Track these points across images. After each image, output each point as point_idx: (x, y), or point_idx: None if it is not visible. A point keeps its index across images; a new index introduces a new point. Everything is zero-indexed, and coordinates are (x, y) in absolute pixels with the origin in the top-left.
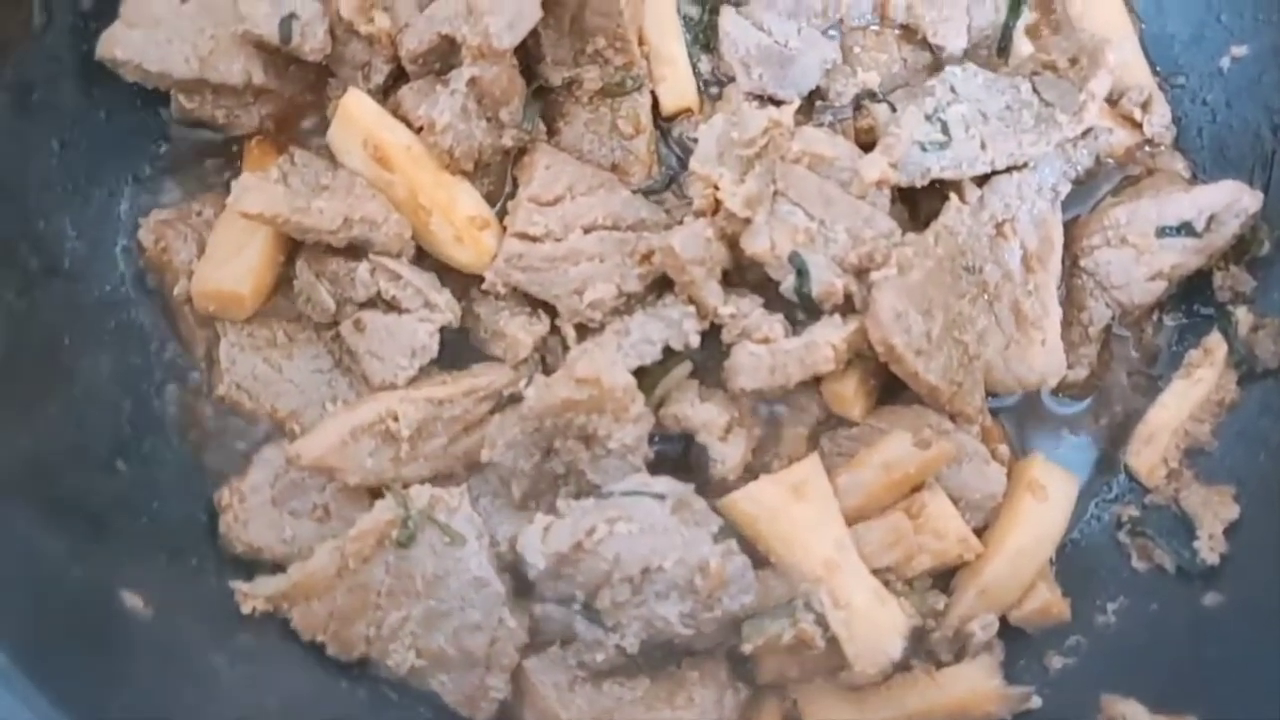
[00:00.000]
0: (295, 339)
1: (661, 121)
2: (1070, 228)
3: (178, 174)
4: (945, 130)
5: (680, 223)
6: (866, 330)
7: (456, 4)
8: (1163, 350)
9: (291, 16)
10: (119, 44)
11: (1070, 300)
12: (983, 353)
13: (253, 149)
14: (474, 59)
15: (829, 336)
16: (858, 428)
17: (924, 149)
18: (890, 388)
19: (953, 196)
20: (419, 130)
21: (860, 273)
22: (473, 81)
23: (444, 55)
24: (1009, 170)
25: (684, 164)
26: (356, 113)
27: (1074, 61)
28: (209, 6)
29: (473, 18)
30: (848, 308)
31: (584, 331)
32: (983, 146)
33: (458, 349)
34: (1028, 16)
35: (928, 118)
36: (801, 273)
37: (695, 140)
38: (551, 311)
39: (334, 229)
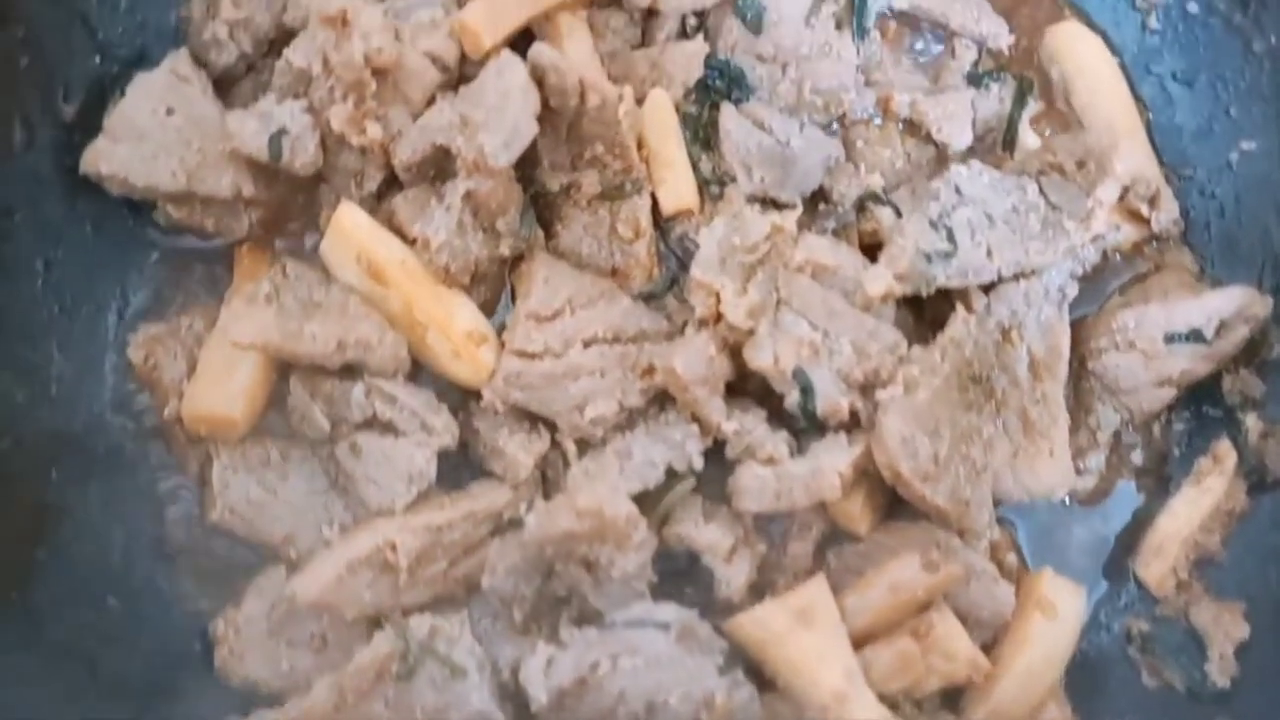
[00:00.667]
0: (289, 458)
1: (661, 222)
2: (1077, 328)
3: (167, 282)
4: (951, 238)
5: (682, 330)
6: (873, 453)
7: (450, 114)
8: (1171, 453)
9: (281, 132)
10: (103, 159)
11: (1078, 403)
12: (990, 462)
13: (243, 256)
14: (469, 173)
15: (835, 463)
16: (864, 543)
17: (929, 259)
18: (897, 500)
19: (959, 308)
20: (413, 242)
21: (866, 389)
22: (468, 195)
23: (438, 163)
24: (1016, 278)
25: (684, 265)
26: (349, 228)
27: (1081, 164)
28: (195, 118)
29: (467, 130)
30: (853, 423)
31: (585, 446)
32: (989, 255)
33: (456, 462)
34: (1033, 107)
35: (933, 224)
36: (806, 390)
37: (696, 242)
38: (552, 425)
39: (328, 354)
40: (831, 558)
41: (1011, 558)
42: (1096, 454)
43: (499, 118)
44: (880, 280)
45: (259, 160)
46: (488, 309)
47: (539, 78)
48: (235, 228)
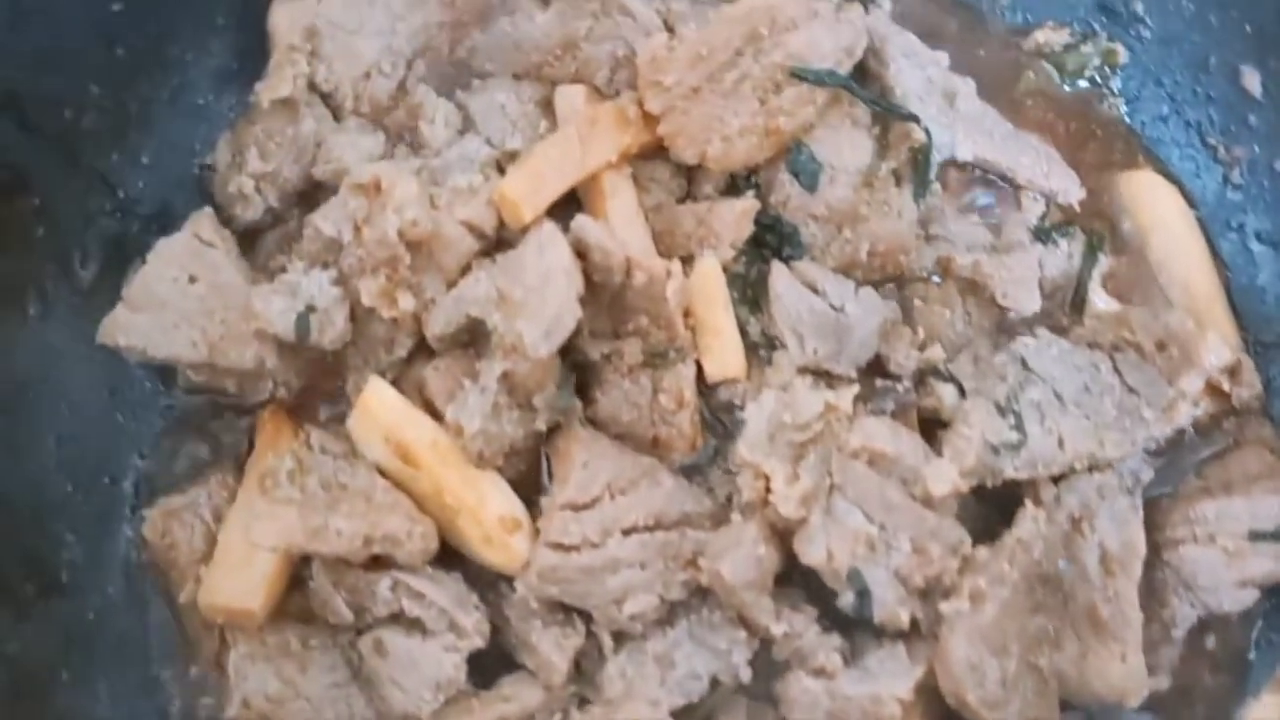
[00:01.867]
0: (310, 646)
1: (705, 386)
2: (1151, 509)
3: (186, 447)
4: (1019, 425)
5: (727, 508)
6: (936, 675)
7: (487, 286)
8: (1249, 649)
9: (309, 310)
10: (121, 330)
11: (1150, 592)
12: (1057, 666)
13: (266, 422)
14: (506, 354)
15: (895, 689)
16: None
17: (997, 451)
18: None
19: (1028, 504)
20: (444, 416)
21: (926, 593)
22: (505, 375)
23: (472, 330)
24: (1089, 469)
25: (729, 432)
26: (378, 408)
27: (1162, 347)
28: (218, 287)
29: (505, 308)
30: (913, 629)
31: (622, 638)
32: (1060, 445)
33: (484, 651)
34: (1103, 263)
35: (1000, 408)
36: (862, 594)
37: (741, 408)
38: (587, 615)
39: (353, 551)
40: None
41: None
42: (1170, 649)
43: (540, 301)
44: (945, 480)
45: (285, 339)
46: (522, 485)
47: (581, 251)
48: (258, 391)
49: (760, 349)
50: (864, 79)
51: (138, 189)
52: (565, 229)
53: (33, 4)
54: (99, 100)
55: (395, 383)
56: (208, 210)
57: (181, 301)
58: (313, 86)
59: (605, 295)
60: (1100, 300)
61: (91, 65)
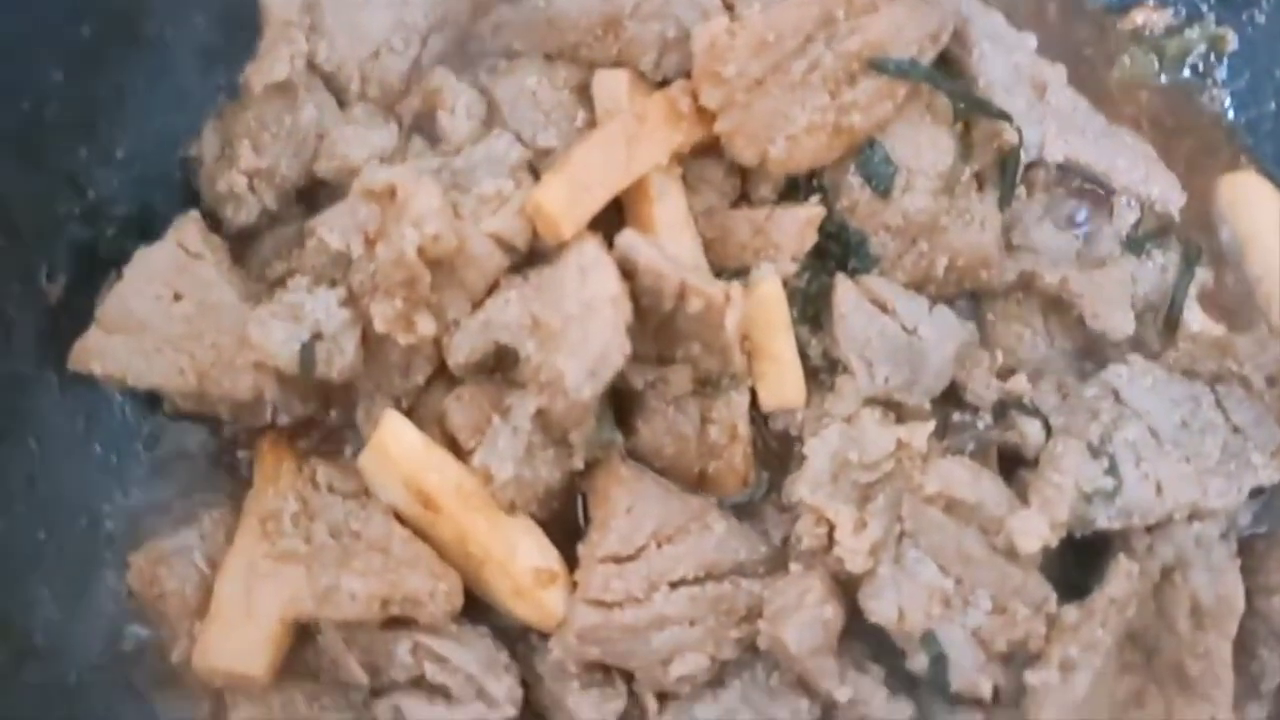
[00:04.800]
0: (320, 708)
1: (758, 413)
2: (1243, 553)
3: (174, 483)
4: (1113, 469)
5: (782, 550)
6: None
7: (518, 311)
8: None
9: (315, 339)
10: (95, 356)
11: (1238, 644)
12: None
13: (265, 454)
14: (541, 390)
15: None
16: None
17: (1089, 500)
18: None
19: (1121, 559)
20: (469, 453)
21: (1009, 657)
22: (539, 413)
23: (500, 357)
24: (1189, 518)
25: (783, 462)
26: (395, 450)
27: (1273, 382)
28: (208, 307)
29: (540, 336)
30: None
31: (666, 699)
32: (1159, 492)
33: None
34: (1202, 277)
35: (1092, 450)
36: (937, 659)
37: (799, 440)
38: (629, 674)
39: (370, 615)
40: None
41: None
42: (1257, 706)
43: (582, 334)
44: (1034, 535)
45: (288, 372)
46: (556, 523)
47: (628, 271)
48: (255, 419)
49: (822, 373)
50: (943, 66)
51: (111, 189)
52: (607, 242)
53: None
54: (63, 87)
55: (411, 411)
56: (193, 214)
57: (165, 323)
58: (313, 67)
59: (653, 320)
60: (1195, 320)
61: (53, 46)
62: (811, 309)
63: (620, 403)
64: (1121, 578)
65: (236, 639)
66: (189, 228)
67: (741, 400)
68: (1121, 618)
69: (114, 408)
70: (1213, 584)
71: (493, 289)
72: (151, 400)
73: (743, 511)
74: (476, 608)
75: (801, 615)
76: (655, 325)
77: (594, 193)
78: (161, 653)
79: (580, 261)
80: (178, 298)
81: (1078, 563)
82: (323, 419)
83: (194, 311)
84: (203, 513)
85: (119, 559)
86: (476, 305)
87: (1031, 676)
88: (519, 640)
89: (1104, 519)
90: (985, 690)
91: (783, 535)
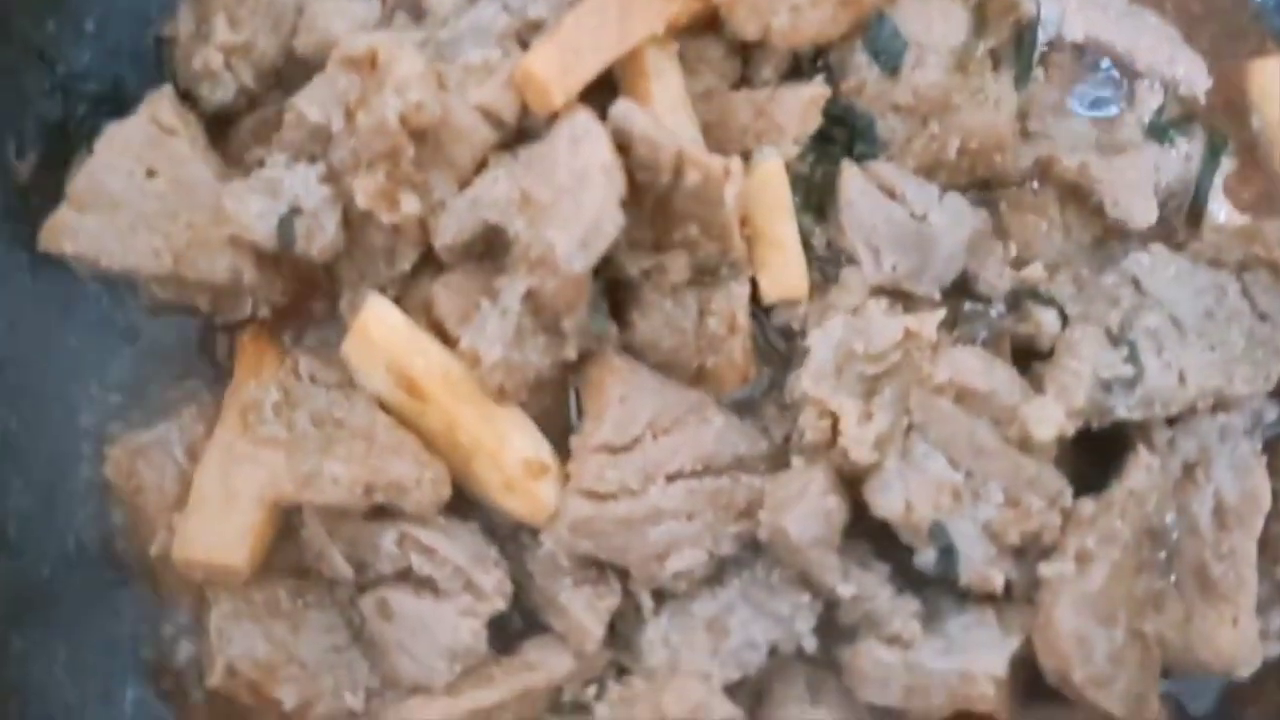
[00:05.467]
0: (304, 604)
1: (759, 308)
2: (1268, 454)
3: (152, 375)
4: (1134, 357)
5: (784, 449)
6: (1035, 649)
7: (507, 187)
8: None
9: (293, 213)
10: (67, 235)
11: (1263, 547)
12: (1161, 633)
13: (246, 346)
14: (531, 269)
15: (988, 665)
16: None
17: (1108, 388)
18: (1038, 675)
19: (1141, 450)
20: (456, 341)
21: (1021, 552)
22: (529, 294)
23: (489, 240)
24: (1212, 409)
25: (786, 360)
26: (378, 332)
27: None
28: (183, 183)
29: (530, 212)
30: (1004, 594)
31: (663, 598)
32: (1181, 380)
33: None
34: (1227, 166)
35: (1111, 337)
36: (946, 551)
37: (802, 335)
38: (623, 572)
39: (353, 501)
40: None
41: None
42: None
43: (573, 205)
44: (1049, 421)
45: (265, 248)
46: (548, 422)
47: (623, 144)
48: (235, 308)
49: (826, 264)
50: None
51: (82, 64)
52: (602, 117)
53: None
54: None
55: (398, 301)
56: (167, 89)
57: (139, 200)
58: None
59: (649, 199)
60: (1221, 211)
61: None
62: (815, 197)
63: (615, 295)
64: (1141, 470)
65: (216, 529)
66: (162, 102)
67: (741, 290)
68: (1141, 511)
69: (89, 298)
70: (1237, 480)
71: (480, 167)
72: (129, 291)
73: (742, 409)
74: (465, 505)
75: (804, 505)
76: (651, 206)
77: (586, 60)
78: (139, 547)
79: (572, 132)
80: (151, 174)
81: (1093, 463)
82: (305, 311)
83: (168, 189)
84: (182, 406)
85: (96, 452)
86: (464, 185)
87: (1046, 568)
88: (509, 540)
89: (1123, 408)
90: (997, 583)
91: (784, 434)
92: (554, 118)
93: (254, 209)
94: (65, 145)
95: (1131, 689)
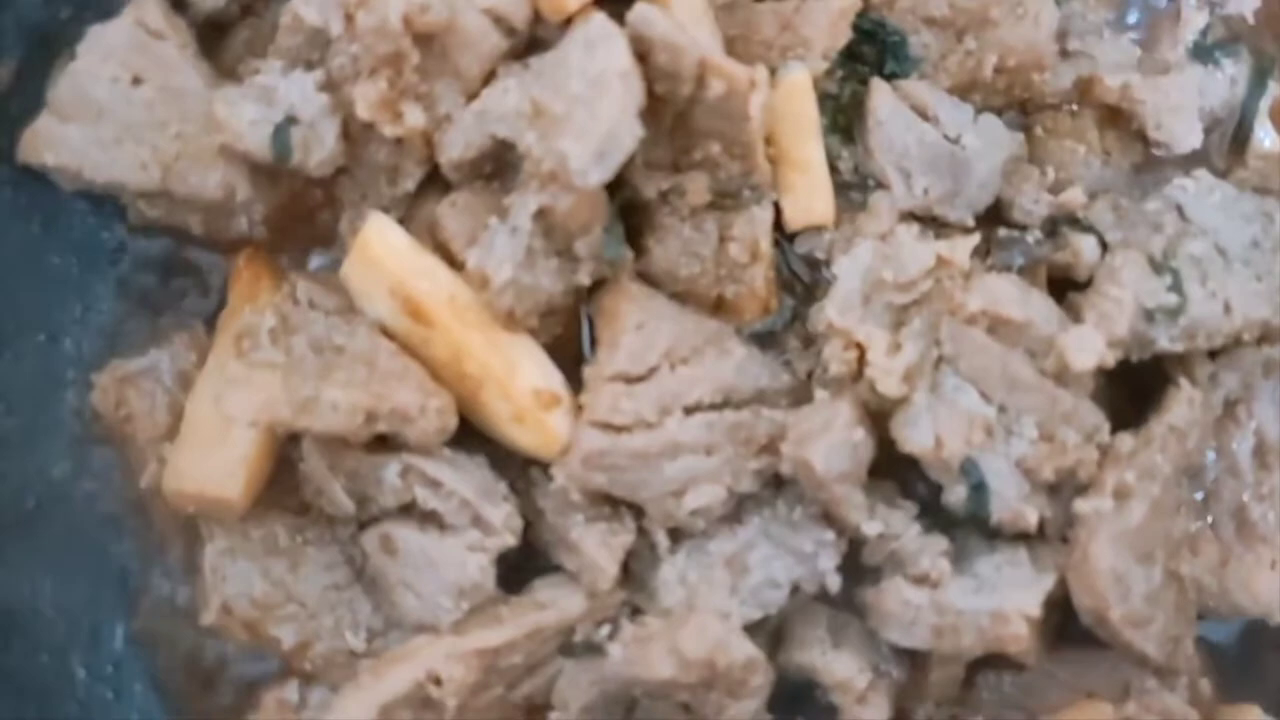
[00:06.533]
0: (303, 540)
1: (783, 235)
2: None
3: (141, 300)
4: (1177, 285)
5: (808, 384)
6: (1070, 588)
7: (518, 98)
8: None
9: (289, 122)
10: (48, 145)
11: None
12: (1197, 575)
13: (241, 269)
14: (543, 185)
15: (1022, 604)
16: (1029, 674)
17: (1151, 317)
18: (1069, 615)
19: (1183, 384)
20: (464, 264)
21: (1056, 489)
22: (541, 213)
23: (498, 157)
24: (1257, 341)
25: (810, 291)
26: (381, 253)
27: None
28: (171, 91)
29: (541, 124)
30: (1037, 532)
31: (679, 536)
32: (1226, 310)
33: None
34: (1274, 90)
35: (1154, 264)
36: (978, 488)
37: (828, 263)
38: (638, 508)
39: (353, 429)
40: (984, 689)
41: (1204, 683)
42: None
43: (588, 115)
44: (1089, 351)
45: (259, 159)
46: (559, 350)
47: (642, 51)
48: (229, 229)
49: (853, 190)
50: None
51: None
52: (619, 22)
53: None
54: None
55: (402, 222)
56: None
57: (124, 109)
58: None
59: (668, 113)
60: (1267, 137)
61: None
62: (843, 118)
63: (631, 220)
64: (1183, 404)
65: (210, 460)
66: (148, 4)
67: (764, 215)
68: (1181, 448)
69: (74, 216)
70: (1279, 417)
71: (489, 78)
72: (115, 208)
73: (764, 341)
74: (472, 439)
75: (830, 437)
76: (671, 122)
77: None
78: (129, 478)
79: (587, 37)
80: (137, 81)
81: (1130, 400)
82: (304, 233)
83: (156, 97)
84: (173, 333)
85: (82, 378)
86: (471, 97)
87: (1083, 504)
88: (518, 475)
89: (1165, 339)
90: (1030, 521)
91: (807, 368)
92: (568, 23)
93: (247, 116)
94: (47, 50)
95: (1168, 631)
